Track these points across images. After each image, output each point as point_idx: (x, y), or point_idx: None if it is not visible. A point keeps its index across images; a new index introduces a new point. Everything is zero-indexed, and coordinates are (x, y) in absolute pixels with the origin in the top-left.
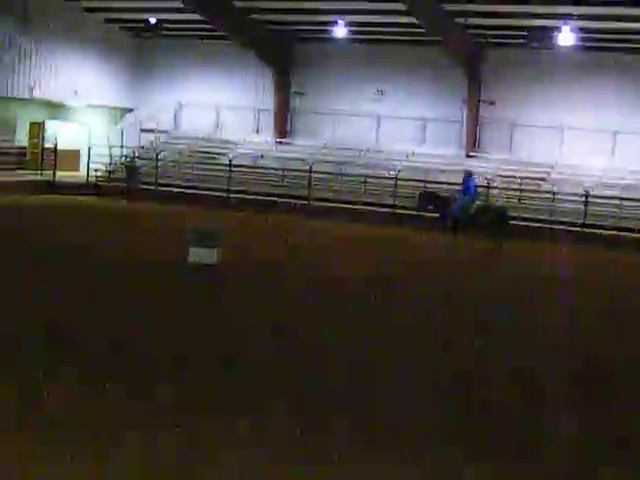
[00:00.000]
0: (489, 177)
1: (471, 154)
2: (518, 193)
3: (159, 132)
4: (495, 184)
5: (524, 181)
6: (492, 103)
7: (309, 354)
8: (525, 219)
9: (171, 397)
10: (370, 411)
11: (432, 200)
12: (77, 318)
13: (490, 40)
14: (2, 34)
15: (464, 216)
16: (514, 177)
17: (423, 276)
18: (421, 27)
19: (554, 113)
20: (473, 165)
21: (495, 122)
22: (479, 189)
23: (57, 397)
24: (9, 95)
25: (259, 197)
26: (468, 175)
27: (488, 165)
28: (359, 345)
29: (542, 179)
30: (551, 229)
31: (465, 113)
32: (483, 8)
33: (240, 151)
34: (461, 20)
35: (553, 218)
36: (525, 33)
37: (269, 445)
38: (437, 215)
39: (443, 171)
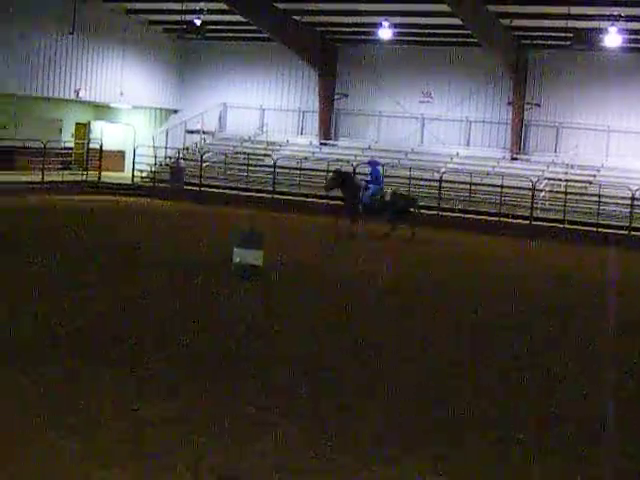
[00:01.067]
0: (534, 180)
1: (516, 156)
2: (563, 196)
3: (204, 133)
4: (541, 187)
5: (570, 184)
6: (537, 105)
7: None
8: (571, 222)
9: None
10: None
11: (340, 183)
12: (134, 318)
13: (535, 42)
14: (49, 37)
15: (375, 204)
16: (560, 180)
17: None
18: (466, 29)
19: (600, 115)
20: (519, 167)
21: (540, 124)
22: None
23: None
24: (56, 96)
25: (303, 198)
26: (375, 163)
27: (533, 168)
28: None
29: (588, 182)
30: (597, 232)
31: (510, 115)
32: (528, 9)
33: (285, 152)
34: (506, 21)
35: (599, 221)
36: (571, 34)
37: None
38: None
39: (488, 174)
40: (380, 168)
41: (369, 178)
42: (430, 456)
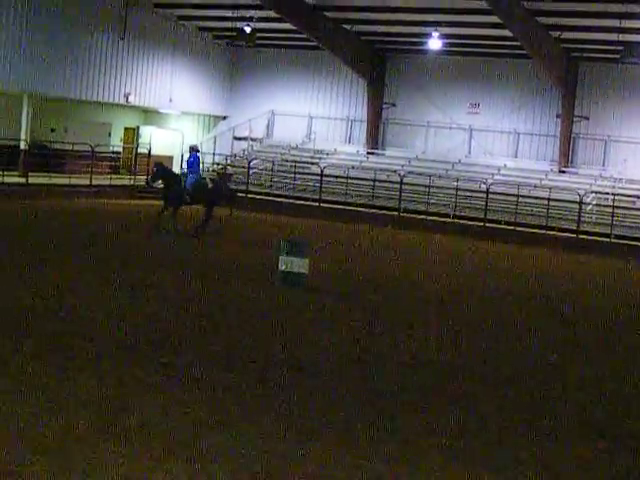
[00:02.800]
0: (582, 193)
1: (564, 169)
2: (611, 210)
3: (252, 140)
4: (588, 200)
5: (618, 198)
6: (586, 118)
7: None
8: (618, 236)
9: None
10: None
11: (160, 175)
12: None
13: (585, 54)
14: (100, 42)
15: (198, 192)
16: (607, 194)
17: None
18: (516, 40)
19: None
20: (566, 180)
21: (589, 137)
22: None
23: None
24: (105, 100)
25: (349, 207)
26: (195, 151)
27: (581, 181)
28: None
29: (636, 196)
30: None
31: (559, 128)
32: (579, 22)
33: (331, 161)
34: (556, 34)
35: None
36: (621, 48)
37: None
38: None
39: (535, 186)
40: (199, 155)
41: (188, 166)
42: None
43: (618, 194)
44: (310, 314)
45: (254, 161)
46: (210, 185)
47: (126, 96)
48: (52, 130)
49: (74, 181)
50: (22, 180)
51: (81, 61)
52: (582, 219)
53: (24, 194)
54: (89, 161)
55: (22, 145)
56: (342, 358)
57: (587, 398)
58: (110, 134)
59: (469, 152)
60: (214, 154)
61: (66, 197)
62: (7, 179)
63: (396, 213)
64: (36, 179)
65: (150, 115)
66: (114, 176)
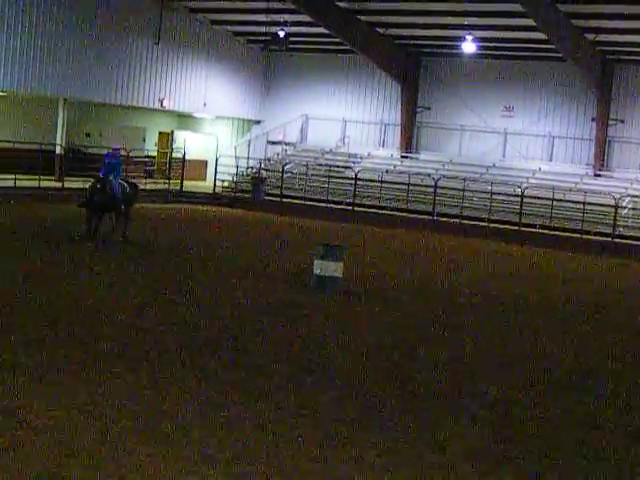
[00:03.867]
0: (617, 197)
1: (599, 173)
2: None
3: (286, 144)
4: (624, 204)
5: None
6: (621, 121)
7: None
8: None
9: None
10: None
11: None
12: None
13: (621, 57)
14: (135, 47)
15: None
16: None
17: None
18: (551, 43)
19: None
20: (601, 184)
21: (624, 141)
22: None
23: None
24: (140, 105)
25: (383, 211)
26: (116, 150)
27: (617, 184)
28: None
29: None
30: None
31: (594, 131)
32: (614, 24)
33: (366, 165)
34: (591, 36)
35: None
36: None
37: None
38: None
39: (570, 190)
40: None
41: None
42: None
43: None
44: (344, 318)
45: (288, 165)
46: (129, 190)
47: (160, 101)
48: (87, 135)
49: None
50: (58, 184)
51: (116, 66)
52: (618, 223)
53: (60, 198)
54: (124, 166)
55: (58, 150)
56: (379, 363)
57: None
58: (145, 139)
59: (503, 155)
60: (248, 158)
61: None
62: (43, 183)
63: (430, 217)
64: (72, 183)
65: (184, 119)
66: (148, 180)
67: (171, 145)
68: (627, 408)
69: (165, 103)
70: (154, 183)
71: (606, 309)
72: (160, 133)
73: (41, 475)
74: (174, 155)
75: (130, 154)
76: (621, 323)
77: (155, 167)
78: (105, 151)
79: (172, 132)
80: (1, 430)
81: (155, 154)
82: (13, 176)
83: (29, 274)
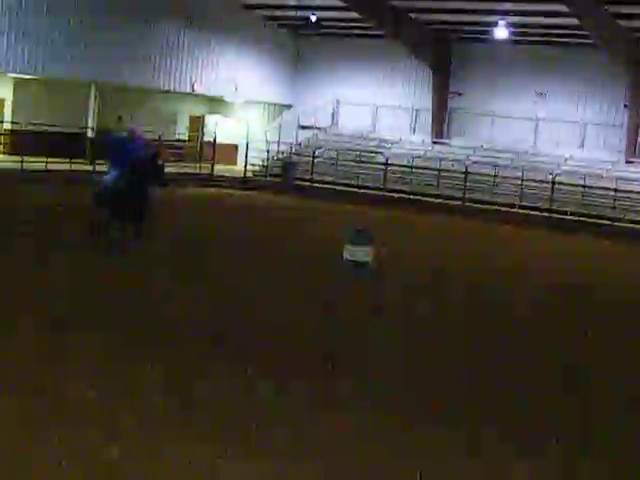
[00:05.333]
0: None
1: (631, 160)
2: None
3: (316, 129)
4: None
5: None
6: None
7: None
8: None
9: None
10: None
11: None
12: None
13: None
14: (167, 31)
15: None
16: None
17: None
18: (583, 29)
19: None
20: (633, 171)
21: None
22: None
23: None
24: (171, 89)
25: (415, 196)
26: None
27: None
28: None
29: None
30: None
31: (626, 118)
32: None
33: (396, 150)
34: (624, 22)
35: None
36: None
37: None
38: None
39: (602, 177)
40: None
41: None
42: None
43: None
44: (373, 303)
45: (319, 150)
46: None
47: (192, 85)
48: (119, 118)
49: None
50: (89, 167)
51: (148, 50)
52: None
53: (90, 180)
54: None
55: (89, 133)
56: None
57: None
58: (176, 122)
59: (535, 142)
60: (279, 142)
61: None
62: (74, 167)
63: (461, 203)
64: (103, 167)
65: (215, 104)
66: (180, 164)
67: (202, 129)
68: None
69: (196, 87)
70: (186, 167)
71: None
72: (191, 117)
73: (78, 456)
74: (205, 139)
75: (162, 138)
76: None
77: (186, 151)
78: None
79: (203, 116)
80: (36, 410)
81: (186, 138)
82: (45, 159)
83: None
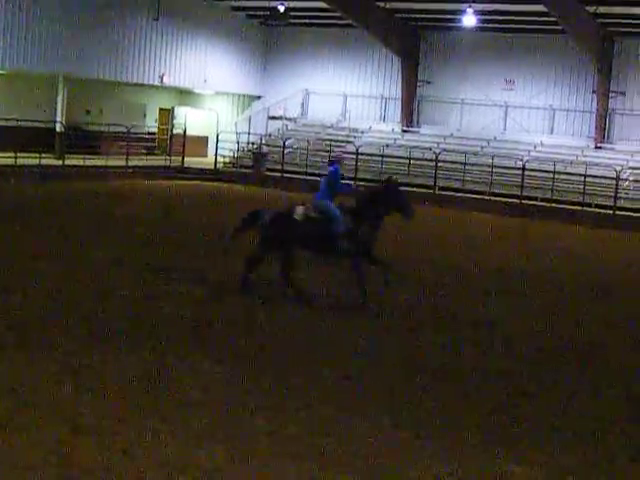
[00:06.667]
0: (618, 169)
1: (600, 145)
2: None
3: (286, 120)
4: (625, 176)
5: None
6: (622, 94)
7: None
8: None
9: None
10: None
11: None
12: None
13: (621, 29)
14: (135, 23)
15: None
16: None
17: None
18: (551, 15)
19: None
20: (602, 156)
21: (625, 113)
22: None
23: None
24: (140, 81)
25: None
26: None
27: (617, 157)
28: None
29: None
30: None
31: (594, 103)
32: None
33: (367, 139)
34: (591, 8)
35: None
36: None
37: None
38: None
39: (571, 162)
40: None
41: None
42: None
43: None
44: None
45: (289, 140)
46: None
47: (161, 77)
48: (87, 112)
49: (110, 162)
50: (58, 162)
51: (116, 42)
52: (619, 195)
53: (60, 175)
54: (124, 142)
55: (58, 127)
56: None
57: None
58: (145, 115)
59: (504, 129)
60: (249, 134)
61: (102, 178)
62: (44, 161)
63: (431, 191)
64: (72, 161)
65: (185, 95)
66: (150, 157)
67: (172, 121)
68: None
69: (165, 79)
70: (155, 160)
71: None
72: (161, 109)
73: (44, 451)
74: (175, 131)
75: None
76: None
77: (156, 143)
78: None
79: (172, 108)
80: (5, 409)
81: (156, 130)
82: (13, 154)
83: None
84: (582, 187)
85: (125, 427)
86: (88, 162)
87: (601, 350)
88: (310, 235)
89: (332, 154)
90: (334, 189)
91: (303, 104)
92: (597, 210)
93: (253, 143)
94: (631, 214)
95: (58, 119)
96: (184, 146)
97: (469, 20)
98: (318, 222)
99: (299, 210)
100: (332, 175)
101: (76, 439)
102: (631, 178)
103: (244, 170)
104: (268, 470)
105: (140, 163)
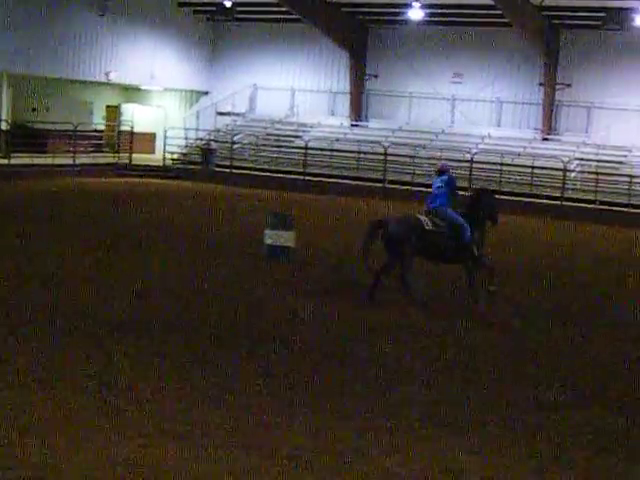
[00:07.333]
0: (565, 160)
1: (547, 137)
2: (595, 177)
3: (234, 115)
4: (572, 167)
5: (601, 164)
6: (568, 85)
7: None
8: (602, 202)
9: None
10: None
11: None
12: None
13: (567, 22)
14: (80, 19)
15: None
16: (591, 160)
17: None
18: (498, 9)
19: (632, 96)
20: (549, 148)
21: (572, 105)
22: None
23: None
24: (86, 79)
25: (334, 180)
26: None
27: (564, 148)
28: None
29: (619, 162)
30: (629, 212)
31: (541, 96)
32: None
33: (315, 134)
34: (537, 1)
35: (631, 201)
36: (603, 14)
37: None
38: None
39: (519, 154)
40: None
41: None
42: None
43: (601, 160)
44: (296, 287)
45: (237, 136)
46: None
47: (107, 74)
48: (33, 110)
49: (57, 160)
50: (4, 161)
51: (61, 39)
52: (566, 186)
53: (6, 175)
54: (72, 140)
55: (3, 125)
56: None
57: None
58: (92, 112)
59: (452, 122)
60: (197, 130)
61: (48, 176)
62: None
63: (381, 185)
64: (18, 159)
65: (132, 92)
66: (97, 155)
67: (119, 118)
68: None
69: (112, 76)
70: (103, 157)
71: None
72: (108, 106)
73: None
74: (122, 128)
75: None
76: None
77: (104, 141)
78: None
79: (120, 105)
80: None
81: (103, 128)
82: None
83: None
84: (530, 178)
85: (74, 425)
86: (35, 161)
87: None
88: (440, 244)
89: (440, 165)
90: (454, 197)
91: (251, 99)
92: (545, 201)
93: (201, 139)
94: (578, 204)
95: (3, 117)
96: (132, 143)
97: (416, 14)
98: (446, 231)
99: (426, 219)
100: (452, 183)
101: (22, 439)
102: (578, 169)
103: (193, 166)
104: (220, 465)
105: (88, 161)
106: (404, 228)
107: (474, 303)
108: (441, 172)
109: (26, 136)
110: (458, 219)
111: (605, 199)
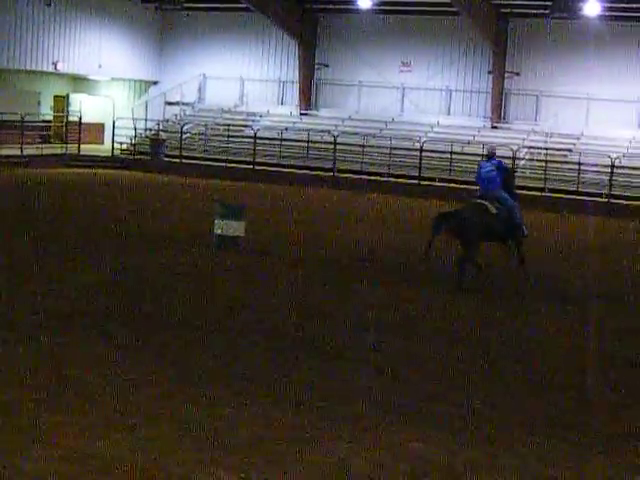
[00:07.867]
0: (515, 148)
1: (496, 125)
2: (544, 164)
3: (183, 105)
4: (521, 155)
5: (550, 152)
6: (517, 74)
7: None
8: (551, 190)
9: None
10: None
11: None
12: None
13: (515, 10)
14: (26, 8)
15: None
16: (540, 148)
17: None
18: None
19: (580, 84)
20: (499, 136)
21: (521, 93)
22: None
23: None
24: (33, 68)
25: (284, 169)
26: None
27: (513, 136)
28: None
29: (568, 150)
30: (577, 200)
31: (490, 84)
32: None
33: (265, 123)
34: None
35: (579, 189)
36: (549, 3)
37: None
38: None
39: (468, 142)
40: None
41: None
42: None
43: (550, 148)
44: (246, 277)
45: (187, 126)
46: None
47: (54, 63)
48: None
49: (4, 152)
50: None
51: (7, 29)
52: (516, 174)
53: None
54: (19, 131)
55: None
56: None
57: None
58: (39, 103)
59: (402, 110)
60: (146, 120)
61: None
62: None
63: (330, 174)
64: None
65: (80, 82)
66: (45, 145)
67: (67, 109)
68: None
69: (59, 66)
70: (51, 148)
71: None
72: (55, 97)
73: None
74: (70, 119)
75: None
76: None
77: (52, 132)
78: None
79: (67, 95)
80: None
81: (51, 118)
82: None
83: None
84: None
85: (22, 420)
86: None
87: None
88: (499, 226)
89: (488, 148)
90: (502, 180)
91: (200, 89)
92: None
93: (150, 129)
94: (527, 192)
95: None
96: (80, 134)
97: (364, 2)
98: (504, 213)
99: (489, 204)
100: (502, 165)
101: None
102: (527, 157)
103: (142, 157)
104: (170, 457)
105: (35, 152)
106: (478, 215)
107: (526, 279)
108: (490, 156)
109: None
110: (511, 200)
111: (554, 187)
